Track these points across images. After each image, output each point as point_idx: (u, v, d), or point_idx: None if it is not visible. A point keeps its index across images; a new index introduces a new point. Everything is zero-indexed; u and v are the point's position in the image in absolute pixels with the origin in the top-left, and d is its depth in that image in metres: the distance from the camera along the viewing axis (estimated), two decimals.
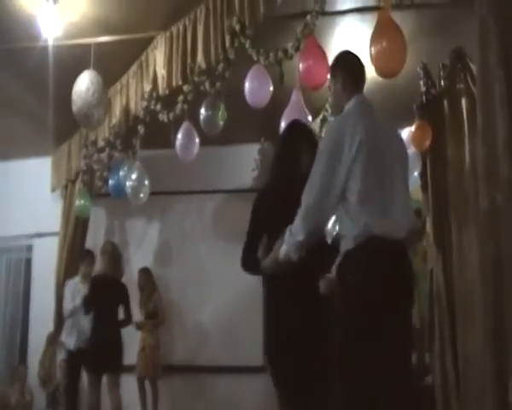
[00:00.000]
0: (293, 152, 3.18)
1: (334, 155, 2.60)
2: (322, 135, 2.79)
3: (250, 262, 3.13)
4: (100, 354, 5.88)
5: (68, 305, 6.49)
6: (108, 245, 6.55)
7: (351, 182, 2.58)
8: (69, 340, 6.52)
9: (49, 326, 7.28)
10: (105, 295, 6.05)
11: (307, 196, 2.63)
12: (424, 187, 5.36)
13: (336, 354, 2.56)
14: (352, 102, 2.83)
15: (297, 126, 3.42)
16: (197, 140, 5.72)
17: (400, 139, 2.92)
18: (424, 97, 5.34)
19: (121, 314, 6.27)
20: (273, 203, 3.07)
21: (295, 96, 4.88)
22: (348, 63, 2.96)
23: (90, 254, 6.82)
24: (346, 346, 2.53)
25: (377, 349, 2.48)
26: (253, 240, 3.13)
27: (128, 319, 6.32)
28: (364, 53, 4.10)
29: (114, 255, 6.40)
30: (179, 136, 5.65)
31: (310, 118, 5.13)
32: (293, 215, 2.69)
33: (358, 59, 2.99)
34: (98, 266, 6.55)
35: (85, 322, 6.26)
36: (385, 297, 2.48)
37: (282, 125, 4.63)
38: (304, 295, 2.92)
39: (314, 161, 2.69)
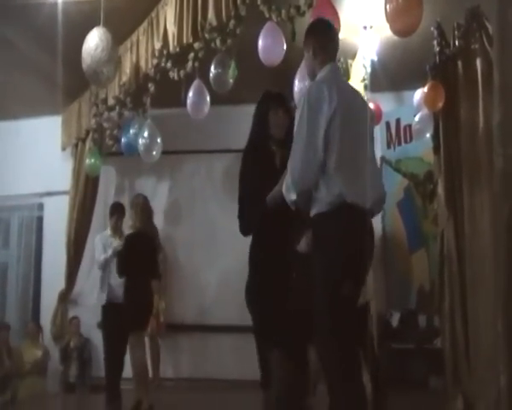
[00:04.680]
0: (261, 113, 3.40)
1: (314, 120, 2.79)
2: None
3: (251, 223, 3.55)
4: (139, 309, 5.43)
5: (100, 256, 6.07)
6: (140, 198, 5.84)
7: (329, 145, 2.79)
8: (101, 296, 6.08)
9: (61, 284, 7.40)
10: (140, 257, 5.50)
11: (294, 160, 2.83)
12: (436, 149, 5.29)
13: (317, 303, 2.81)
14: (325, 69, 2.98)
15: (264, 93, 3.51)
16: (208, 98, 5.67)
17: (368, 107, 3.18)
18: (438, 57, 5.22)
19: None
20: (257, 163, 3.43)
21: None
22: (319, 31, 3.10)
23: (119, 208, 6.28)
24: (324, 296, 2.78)
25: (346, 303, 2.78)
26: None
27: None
28: (379, 11, 4.04)
29: (146, 209, 5.78)
30: (190, 94, 5.60)
31: None
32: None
33: (331, 27, 3.15)
34: (129, 222, 5.92)
35: (117, 278, 5.85)
36: (351, 255, 2.78)
37: (296, 83, 4.52)
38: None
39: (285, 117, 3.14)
